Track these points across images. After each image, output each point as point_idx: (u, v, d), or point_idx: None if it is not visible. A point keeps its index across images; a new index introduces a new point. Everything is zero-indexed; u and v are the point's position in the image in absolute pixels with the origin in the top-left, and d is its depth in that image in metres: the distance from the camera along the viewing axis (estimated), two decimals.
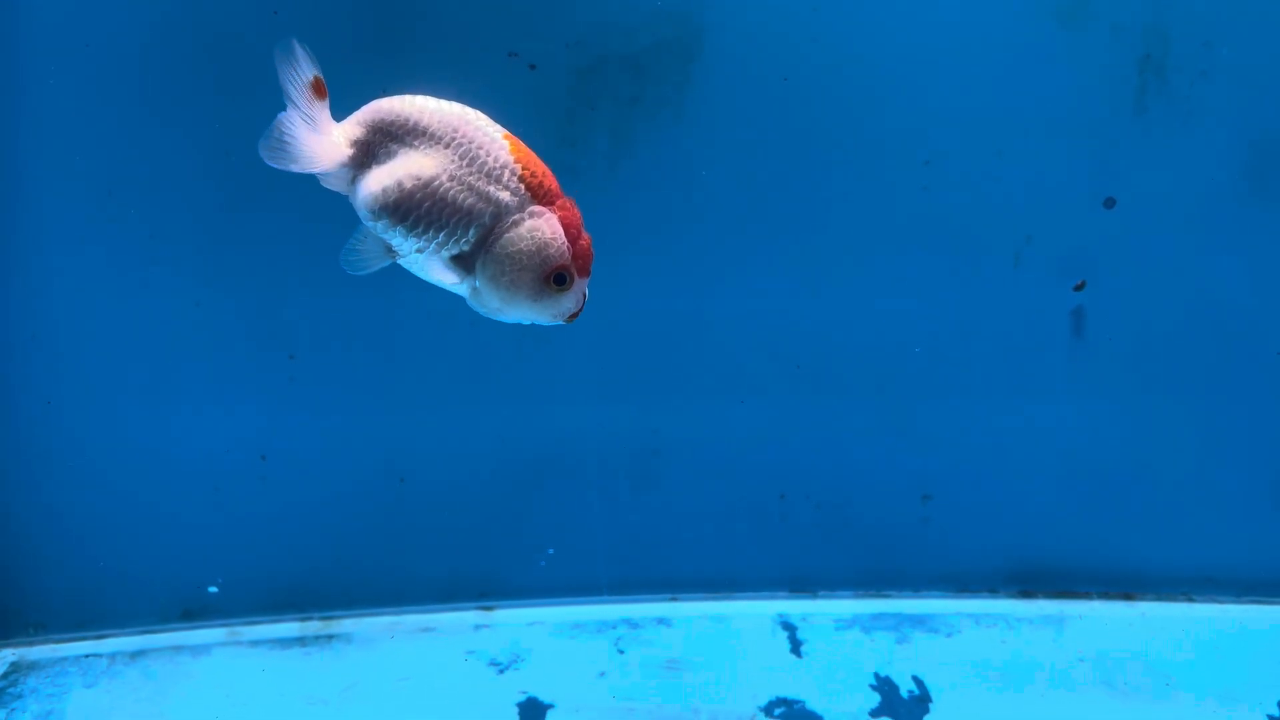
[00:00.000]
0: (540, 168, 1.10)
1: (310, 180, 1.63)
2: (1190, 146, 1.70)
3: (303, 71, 1.08)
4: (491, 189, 1.07)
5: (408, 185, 1.06)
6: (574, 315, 1.13)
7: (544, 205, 1.09)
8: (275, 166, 1.08)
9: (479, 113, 1.10)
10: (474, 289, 1.11)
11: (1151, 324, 1.79)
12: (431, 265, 1.10)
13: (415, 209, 1.07)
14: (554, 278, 1.08)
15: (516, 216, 1.08)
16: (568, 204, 1.11)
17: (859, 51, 1.68)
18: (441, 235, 1.08)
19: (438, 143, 1.08)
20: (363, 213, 1.10)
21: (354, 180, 1.11)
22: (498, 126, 1.10)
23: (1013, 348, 1.81)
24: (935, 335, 1.80)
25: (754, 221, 1.76)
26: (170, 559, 1.86)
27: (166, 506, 1.83)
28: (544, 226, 1.08)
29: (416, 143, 1.08)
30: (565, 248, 1.08)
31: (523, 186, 1.08)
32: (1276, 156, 1.71)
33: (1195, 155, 1.71)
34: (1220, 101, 1.68)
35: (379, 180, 1.08)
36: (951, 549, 1.89)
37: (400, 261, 1.12)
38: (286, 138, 1.08)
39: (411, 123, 1.09)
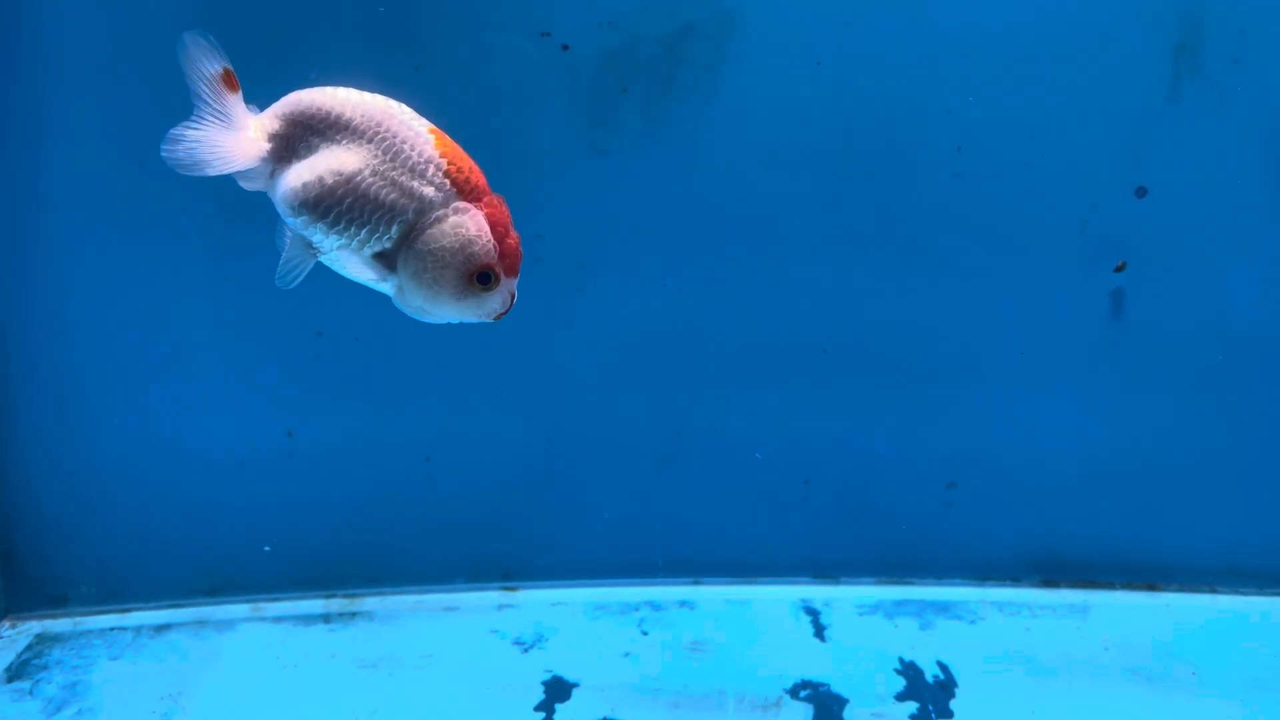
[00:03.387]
0: (467, 163, 1.06)
1: None
2: (1224, 134, 1.70)
3: (209, 65, 1.04)
4: (415, 184, 1.03)
5: (329, 180, 1.02)
6: (500, 315, 1.08)
7: (470, 201, 1.04)
8: (187, 172, 1.02)
9: (403, 105, 1.06)
10: (398, 288, 1.07)
11: (1179, 314, 1.78)
12: (353, 262, 1.06)
13: (336, 204, 1.03)
14: (478, 276, 1.04)
15: (440, 213, 1.03)
16: (495, 201, 1.06)
17: (891, 37, 1.68)
18: (363, 232, 1.04)
19: (360, 137, 1.03)
20: (282, 208, 1.06)
21: (273, 175, 1.06)
22: (423, 120, 1.06)
23: (1040, 336, 1.80)
24: (962, 322, 1.80)
25: (783, 206, 1.75)
26: (195, 534, 1.87)
27: (192, 481, 1.84)
28: (468, 223, 1.03)
29: (338, 136, 1.04)
30: (491, 245, 1.04)
31: (448, 182, 1.04)
32: None
33: (1229, 143, 1.70)
34: (1255, 89, 1.68)
35: (299, 175, 1.04)
36: (975, 536, 1.89)
37: (322, 259, 1.08)
38: (196, 139, 1.03)
39: (333, 116, 1.04)
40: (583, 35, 1.68)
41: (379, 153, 1.03)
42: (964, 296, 1.79)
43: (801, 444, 1.86)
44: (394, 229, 1.04)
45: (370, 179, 1.02)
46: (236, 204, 1.68)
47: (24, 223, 1.71)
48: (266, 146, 1.05)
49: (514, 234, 1.06)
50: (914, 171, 1.74)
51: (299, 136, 1.05)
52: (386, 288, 1.08)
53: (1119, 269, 1.73)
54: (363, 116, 1.04)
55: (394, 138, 1.03)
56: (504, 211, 1.06)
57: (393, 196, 1.03)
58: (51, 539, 1.85)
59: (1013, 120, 1.71)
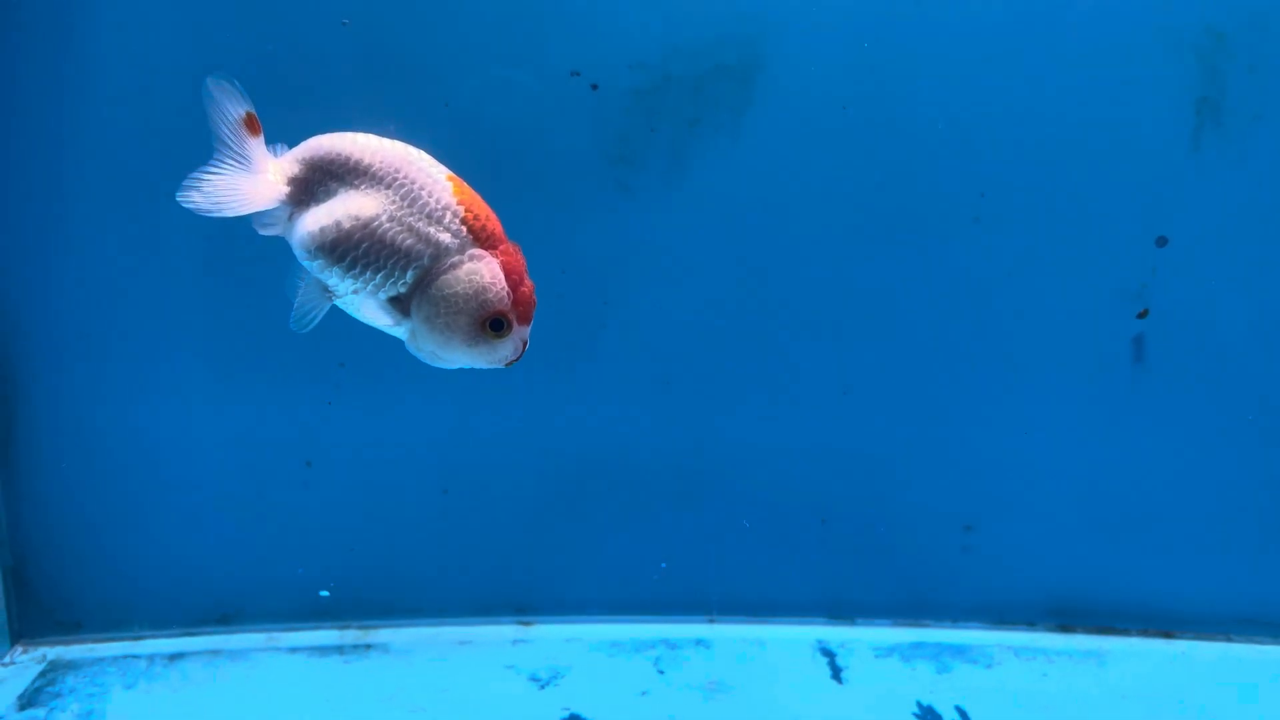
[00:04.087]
0: (484, 210, 1.06)
1: None
2: (1244, 188, 1.72)
3: (232, 109, 1.05)
4: (431, 230, 1.04)
5: (346, 225, 1.03)
6: (511, 362, 1.08)
7: (486, 249, 1.05)
8: (205, 214, 1.03)
9: (422, 152, 1.06)
10: (411, 332, 1.07)
11: (1198, 362, 1.80)
12: (368, 306, 1.06)
13: (353, 249, 1.03)
14: (491, 323, 1.04)
15: (455, 259, 1.04)
16: (511, 249, 1.06)
17: (917, 85, 1.70)
18: (379, 276, 1.04)
19: (379, 182, 1.04)
20: (299, 252, 1.06)
21: (291, 218, 1.07)
22: (441, 167, 1.06)
23: (1060, 381, 1.81)
24: (983, 366, 1.81)
25: (805, 247, 1.77)
26: (209, 562, 1.87)
27: (209, 509, 1.84)
28: (483, 270, 1.04)
29: (357, 181, 1.05)
30: (504, 293, 1.04)
31: (464, 229, 1.04)
32: None
33: (1249, 197, 1.72)
34: (1275, 145, 1.70)
35: (317, 220, 1.04)
36: (991, 580, 1.89)
37: (337, 303, 1.09)
38: (215, 182, 1.04)
39: (353, 161, 1.05)
40: (612, 75, 1.70)
41: (397, 198, 1.04)
42: (985, 341, 1.80)
43: (820, 483, 1.86)
44: (409, 274, 1.04)
45: (387, 224, 1.03)
46: (261, 237, 1.72)
47: (44, 249, 1.72)
48: (285, 190, 1.06)
49: (528, 282, 1.07)
50: (937, 215, 1.75)
51: (318, 180, 1.06)
52: (399, 332, 1.08)
53: (1141, 315, 1.74)
54: (381, 162, 1.05)
55: (412, 184, 1.04)
56: (519, 259, 1.07)
57: (409, 242, 1.03)
58: (65, 565, 1.85)
59: (1036, 168, 1.73)
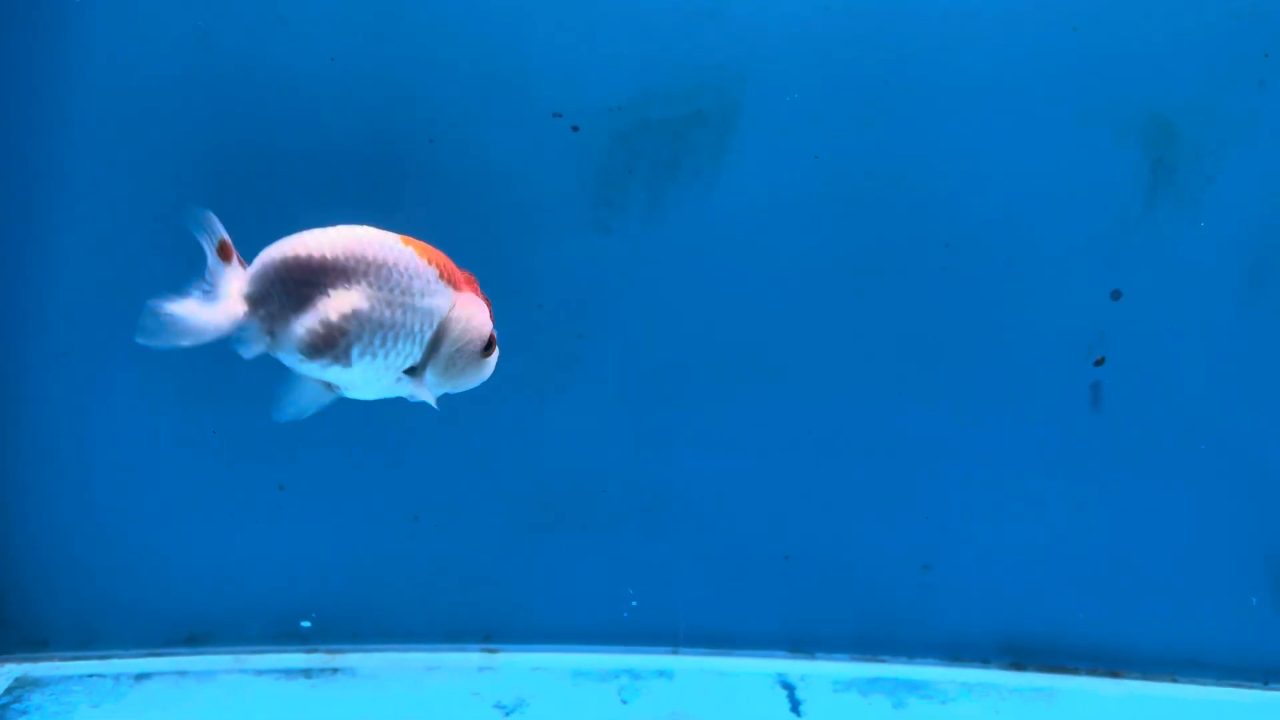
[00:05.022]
0: (442, 258, 1.11)
1: (350, 216, 1.71)
2: (1196, 247, 1.79)
3: (208, 238, 1.03)
4: (423, 301, 1.08)
5: (345, 324, 1.03)
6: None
7: (457, 289, 1.12)
8: (163, 346, 1.00)
9: (367, 227, 1.06)
10: (419, 386, 1.11)
11: (1151, 412, 1.86)
12: (379, 385, 1.09)
13: (359, 341, 1.04)
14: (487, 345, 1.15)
15: (451, 313, 1.10)
16: (468, 275, 1.14)
17: (888, 138, 1.77)
18: (393, 357, 1.07)
19: (352, 275, 1.03)
20: (295, 358, 1.04)
21: (269, 333, 1.04)
22: (392, 235, 1.07)
23: (1019, 427, 1.87)
24: (944, 410, 1.87)
25: (775, 292, 1.82)
26: (178, 582, 1.88)
27: (179, 530, 1.85)
28: (471, 311, 1.12)
29: (330, 280, 1.03)
30: (489, 318, 1.13)
31: (443, 284, 1.10)
32: (1275, 260, 1.80)
33: (1201, 255, 1.80)
34: (1227, 207, 1.78)
35: (307, 324, 1.02)
36: (947, 618, 1.94)
37: (342, 391, 1.10)
38: (171, 312, 1.00)
39: (315, 261, 1.03)
40: (593, 118, 1.75)
41: (378, 283, 1.05)
42: (947, 386, 1.86)
43: (784, 521, 1.91)
44: (420, 344, 1.09)
45: (385, 309, 1.05)
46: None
47: (24, 271, 1.74)
48: (242, 310, 1.03)
49: (472, 277, 1.15)
50: (904, 263, 1.81)
51: (289, 290, 1.03)
52: (400, 390, 1.11)
53: (1098, 363, 1.81)
54: (344, 254, 1.04)
55: (383, 265, 1.05)
56: (470, 275, 1.14)
57: (411, 318, 1.07)
58: (33, 582, 1.85)
59: (999, 221, 1.80)
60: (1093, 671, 1.95)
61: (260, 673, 1.84)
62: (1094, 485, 1.89)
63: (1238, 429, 1.86)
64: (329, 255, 1.03)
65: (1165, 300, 1.82)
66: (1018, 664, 1.95)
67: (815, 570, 1.93)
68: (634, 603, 1.93)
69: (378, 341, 1.05)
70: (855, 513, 1.91)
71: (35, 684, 1.78)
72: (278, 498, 1.86)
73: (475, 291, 1.14)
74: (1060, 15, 1.72)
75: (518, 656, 1.91)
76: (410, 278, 1.06)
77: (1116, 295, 1.82)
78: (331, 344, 1.03)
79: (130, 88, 1.68)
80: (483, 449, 1.88)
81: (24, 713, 1.70)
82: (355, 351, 1.04)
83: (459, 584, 1.92)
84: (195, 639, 1.89)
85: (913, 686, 1.88)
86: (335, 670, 1.86)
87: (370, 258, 1.05)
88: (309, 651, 1.89)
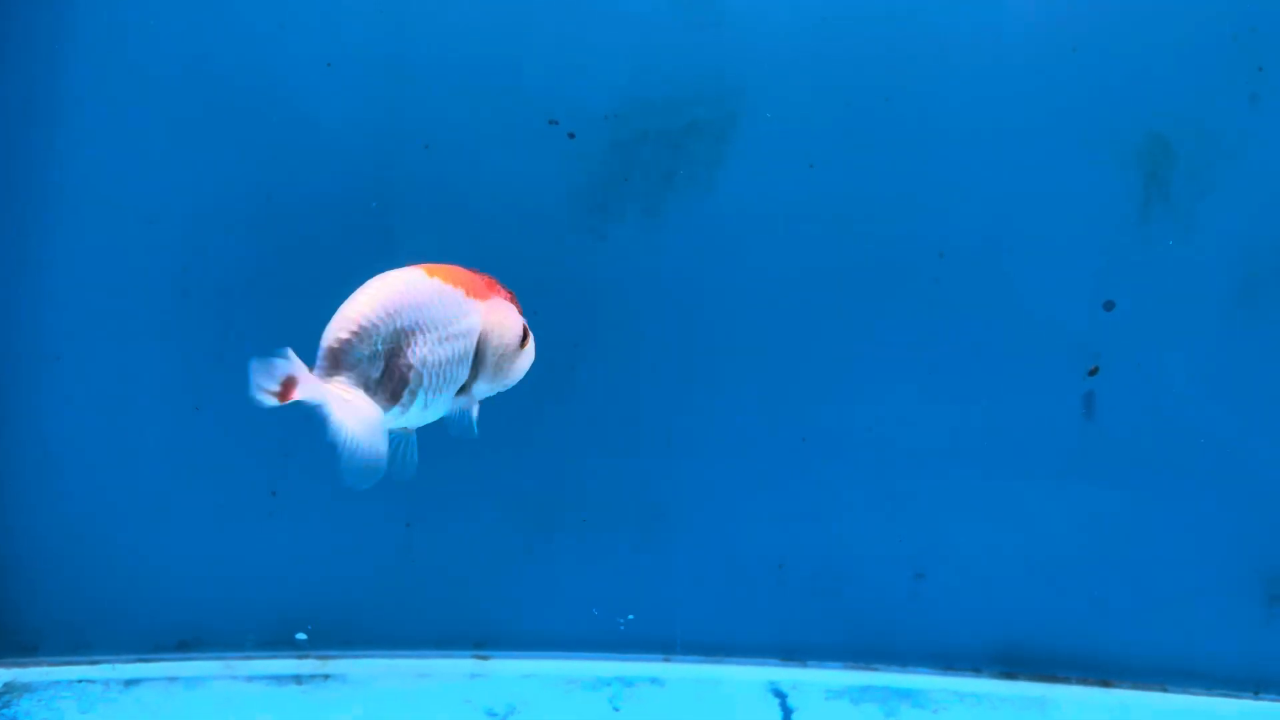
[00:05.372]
0: (465, 276, 1.14)
1: (344, 220, 1.71)
2: (1189, 259, 1.80)
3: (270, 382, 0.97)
4: (460, 325, 1.11)
5: (410, 375, 1.06)
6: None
7: (482, 298, 1.15)
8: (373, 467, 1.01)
9: (391, 275, 1.08)
10: (468, 398, 1.16)
11: (1144, 421, 1.87)
12: (438, 409, 1.13)
13: (423, 385, 1.07)
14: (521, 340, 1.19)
15: (484, 326, 1.14)
16: (489, 279, 1.17)
17: (883, 148, 1.77)
18: (449, 386, 1.12)
19: (400, 332, 1.05)
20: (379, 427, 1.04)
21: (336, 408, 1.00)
22: (414, 270, 1.09)
23: (1011, 436, 1.88)
24: (937, 419, 1.87)
25: (770, 301, 1.83)
26: (168, 588, 1.87)
27: (170, 535, 1.84)
28: (500, 316, 1.16)
29: (383, 342, 1.04)
30: (518, 313, 1.17)
31: (473, 301, 1.13)
32: (1267, 273, 1.81)
33: (1193, 267, 1.81)
34: (1220, 221, 1.79)
35: (378, 395, 1.04)
36: (939, 626, 1.95)
37: (400, 421, 1.10)
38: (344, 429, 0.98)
39: (363, 333, 1.03)
40: (589, 125, 1.75)
41: (420, 324, 1.07)
42: (941, 395, 1.87)
43: (777, 529, 1.91)
44: (467, 365, 1.14)
45: (437, 348, 1.09)
46: (242, 266, 1.74)
47: (16, 275, 1.73)
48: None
49: (491, 279, 1.18)
50: (897, 273, 1.82)
51: (350, 365, 1.02)
52: (454, 408, 1.16)
53: (1092, 373, 1.81)
54: (381, 314, 1.04)
55: (419, 308, 1.08)
56: (490, 278, 1.17)
57: (457, 345, 1.11)
58: (23, 586, 1.84)
59: (993, 231, 1.81)
60: (1084, 681, 1.95)
61: (251, 679, 1.83)
62: (1087, 495, 1.90)
63: (1229, 439, 1.87)
64: (372, 323, 1.04)
65: (1158, 311, 1.83)
66: (1010, 673, 1.95)
67: (808, 578, 1.93)
68: (630, 615, 1.93)
69: (438, 379, 1.09)
70: (848, 521, 1.91)
71: (24, 689, 1.77)
72: (269, 503, 1.86)
73: (496, 291, 1.17)
74: (1059, 34, 1.73)
75: (509, 663, 1.91)
76: (445, 307, 1.10)
77: (1110, 306, 1.83)
78: (404, 395, 1.07)
79: (127, 91, 1.68)
80: (475, 456, 1.87)
81: (13, 718, 1.69)
82: (421, 395, 1.08)
83: (451, 591, 1.92)
84: (186, 645, 1.89)
85: (904, 695, 1.88)
86: (327, 676, 1.85)
87: (405, 305, 1.07)
88: (300, 658, 1.89)
